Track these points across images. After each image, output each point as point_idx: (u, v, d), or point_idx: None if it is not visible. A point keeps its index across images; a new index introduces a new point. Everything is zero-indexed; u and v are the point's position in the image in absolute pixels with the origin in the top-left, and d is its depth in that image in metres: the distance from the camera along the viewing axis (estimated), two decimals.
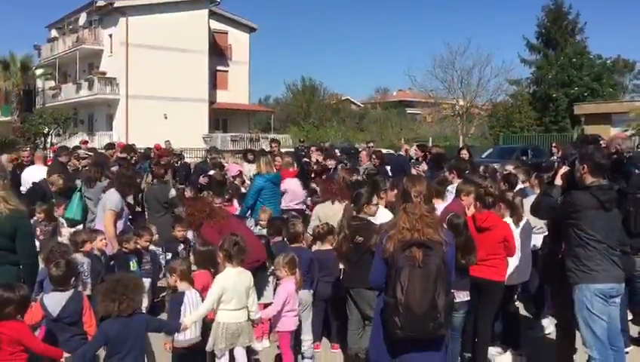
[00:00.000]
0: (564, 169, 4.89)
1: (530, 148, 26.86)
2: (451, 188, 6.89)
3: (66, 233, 8.03)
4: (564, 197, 4.71)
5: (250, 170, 11.87)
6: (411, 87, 60.02)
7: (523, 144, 29.79)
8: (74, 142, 35.13)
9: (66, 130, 42.46)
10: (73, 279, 4.84)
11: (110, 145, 13.81)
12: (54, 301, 4.66)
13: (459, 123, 47.73)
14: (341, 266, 6.47)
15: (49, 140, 39.42)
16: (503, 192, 6.42)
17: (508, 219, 6.13)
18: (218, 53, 44.88)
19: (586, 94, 40.10)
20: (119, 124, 40.58)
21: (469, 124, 48.29)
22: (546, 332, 6.93)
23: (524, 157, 23.22)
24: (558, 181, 4.88)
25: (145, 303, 5.48)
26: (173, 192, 10.08)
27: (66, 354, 4.22)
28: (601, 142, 7.06)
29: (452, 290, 5.17)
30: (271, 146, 14.04)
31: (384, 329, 3.90)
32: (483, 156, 25.08)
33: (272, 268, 6.09)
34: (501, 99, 46.43)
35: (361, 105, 75.17)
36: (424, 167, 10.51)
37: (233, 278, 5.23)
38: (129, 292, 4.11)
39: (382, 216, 6.03)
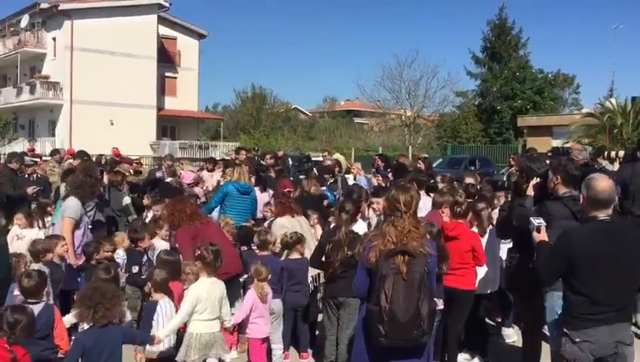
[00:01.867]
0: (535, 180, 5.05)
1: (477, 158, 27.62)
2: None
3: (20, 244, 7.76)
4: (537, 207, 4.86)
5: (212, 178, 11.78)
6: (359, 97, 60.80)
7: (470, 154, 30.55)
8: (14, 147, 33.88)
9: (5, 136, 40.92)
10: (45, 290, 4.66)
11: (55, 151, 13.39)
12: None
13: (406, 133, 48.55)
14: (311, 274, 6.52)
15: None
16: (471, 202, 6.55)
17: (474, 230, 6.27)
18: (167, 59, 44.26)
19: (528, 107, 41.52)
20: (62, 130, 39.41)
21: (416, 134, 49.20)
22: (511, 340, 7.10)
23: (472, 167, 23.86)
24: (530, 191, 5.04)
25: (128, 316, 5.32)
26: (127, 200, 9.90)
27: None
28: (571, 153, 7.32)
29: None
30: (239, 154, 13.87)
31: (367, 337, 3.92)
32: (433, 166, 25.61)
33: (245, 276, 6.06)
34: (448, 110, 47.57)
35: (310, 115, 75.52)
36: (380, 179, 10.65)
37: (207, 288, 5.18)
38: (106, 302, 4.00)
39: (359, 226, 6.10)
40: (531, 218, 4.36)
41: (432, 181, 8.30)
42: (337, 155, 18.17)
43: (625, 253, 3.76)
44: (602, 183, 3.84)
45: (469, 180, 8.81)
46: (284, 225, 6.91)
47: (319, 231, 7.15)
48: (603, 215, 3.85)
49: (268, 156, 14.07)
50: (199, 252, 5.26)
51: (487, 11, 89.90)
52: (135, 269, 6.77)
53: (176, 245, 6.66)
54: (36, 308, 4.52)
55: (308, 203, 8.27)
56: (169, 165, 13.16)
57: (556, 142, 29.02)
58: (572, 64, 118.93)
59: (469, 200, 6.68)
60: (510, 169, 11.87)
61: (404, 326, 3.70)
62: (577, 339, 3.80)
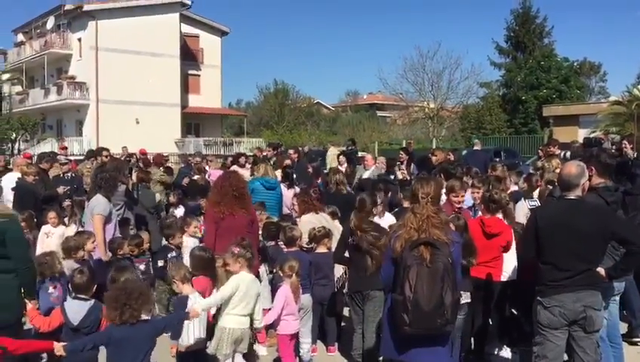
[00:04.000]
0: None
1: (502, 150, 27.26)
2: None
3: (50, 241, 7.94)
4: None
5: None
6: (381, 90, 60.60)
7: (495, 146, 30.22)
8: (42, 148, 34.51)
9: (33, 136, 41.66)
10: (95, 287, 4.76)
11: (91, 152, 13.57)
12: (75, 309, 4.57)
13: (430, 125, 48.24)
14: (339, 270, 6.57)
15: (16, 146, 38.62)
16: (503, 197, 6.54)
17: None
18: (190, 56, 44.57)
19: (554, 96, 40.96)
20: (89, 130, 39.98)
21: (440, 126, 48.85)
22: None
23: (498, 159, 23.59)
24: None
25: (156, 311, 5.41)
26: (158, 197, 10.05)
27: (57, 344, 4.06)
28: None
29: None
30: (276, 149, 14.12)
31: (393, 326, 4.03)
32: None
33: (272, 271, 6.11)
34: (471, 102, 47.13)
35: (332, 109, 75.48)
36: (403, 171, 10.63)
37: (247, 283, 5.29)
38: (132, 302, 4.02)
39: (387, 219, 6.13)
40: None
41: (455, 170, 8.28)
42: (332, 149, 18.24)
43: (583, 224, 4.26)
44: (572, 168, 4.41)
45: (495, 172, 8.77)
46: (311, 221, 7.00)
47: (339, 226, 7.22)
48: (572, 195, 4.40)
49: (291, 151, 14.14)
50: (237, 249, 5.33)
51: (511, 0, 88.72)
52: (160, 263, 6.89)
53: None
54: (86, 305, 4.61)
55: (334, 200, 8.35)
56: (197, 162, 13.33)
57: (583, 132, 28.64)
58: (598, 52, 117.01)
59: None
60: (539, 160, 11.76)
61: (428, 314, 3.79)
62: (548, 305, 4.31)
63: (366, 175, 11.48)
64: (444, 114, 48.94)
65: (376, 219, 6.49)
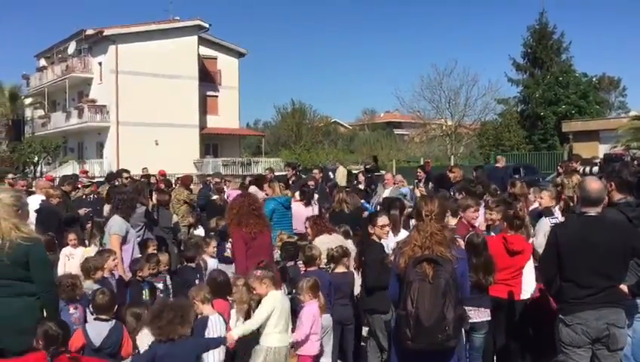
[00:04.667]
0: None
1: (522, 167, 27.11)
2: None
3: (71, 263, 8.01)
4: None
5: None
6: (398, 108, 60.61)
7: (514, 162, 30.06)
8: (64, 170, 35.00)
9: (55, 159, 42.24)
10: (116, 308, 4.80)
11: (112, 175, 13.76)
12: (97, 330, 4.62)
13: (447, 143, 48.08)
14: (357, 289, 6.57)
15: (38, 169, 39.18)
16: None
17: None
18: (208, 78, 45.07)
19: (573, 112, 40.67)
20: (110, 152, 40.49)
21: (458, 143, 48.67)
22: None
23: (517, 176, 23.43)
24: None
25: None
26: (175, 218, 10.15)
27: None
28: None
29: (473, 308, 5.32)
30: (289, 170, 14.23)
31: (397, 341, 4.13)
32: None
33: (290, 292, 6.13)
34: (489, 118, 46.94)
35: (350, 127, 75.68)
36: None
37: (280, 299, 5.38)
38: (176, 320, 4.06)
39: (403, 236, 6.13)
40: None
41: (475, 187, 8.26)
42: (340, 168, 18.28)
43: (604, 241, 4.22)
44: (593, 185, 4.39)
45: (513, 189, 8.73)
46: (326, 242, 7.06)
47: (352, 245, 7.27)
48: (592, 211, 4.38)
49: (316, 171, 14.21)
50: (259, 272, 5.38)
51: (527, 17, 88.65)
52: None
53: (229, 249, 6.81)
54: (107, 326, 4.66)
55: (341, 218, 8.40)
56: (216, 182, 13.46)
57: (604, 147, 28.39)
58: (617, 67, 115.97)
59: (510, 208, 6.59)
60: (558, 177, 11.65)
61: (429, 330, 3.85)
62: (570, 323, 4.26)
63: (386, 193, 11.48)
64: (461, 131, 48.80)
65: (390, 237, 6.51)
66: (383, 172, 16.98)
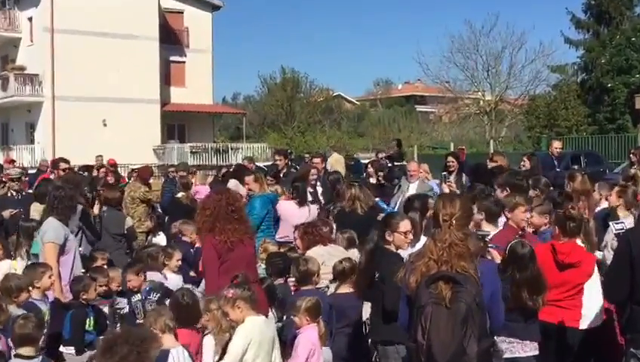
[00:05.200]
0: None
1: (582, 154, 27.11)
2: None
3: None
4: None
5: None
6: (421, 78, 60.87)
7: (573, 149, 30.07)
8: None
9: None
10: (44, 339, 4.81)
11: (57, 162, 13.68)
12: None
13: (486, 123, 48.21)
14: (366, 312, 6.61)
15: None
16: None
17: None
18: (171, 39, 44.99)
19: None
20: (43, 135, 40.39)
21: (500, 124, 48.77)
22: None
23: (576, 166, 23.45)
24: None
25: None
26: (129, 221, 10.17)
27: None
28: None
29: (516, 340, 5.33)
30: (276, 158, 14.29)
31: None
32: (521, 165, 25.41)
33: (281, 318, 6.16)
34: (540, 92, 46.98)
35: (358, 103, 75.70)
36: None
37: (259, 328, 5.36)
38: (131, 357, 3.99)
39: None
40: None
41: (522, 181, 8.30)
42: (334, 156, 18.26)
43: None
44: None
45: (572, 184, 8.73)
46: (321, 255, 7.12)
47: (357, 256, 7.33)
48: None
49: (317, 160, 14.16)
50: (231, 292, 5.38)
51: None
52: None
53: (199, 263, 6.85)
54: None
55: (353, 221, 8.44)
56: (182, 176, 13.48)
57: None
58: None
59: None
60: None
61: None
62: None
63: (413, 190, 11.45)
64: (504, 108, 48.89)
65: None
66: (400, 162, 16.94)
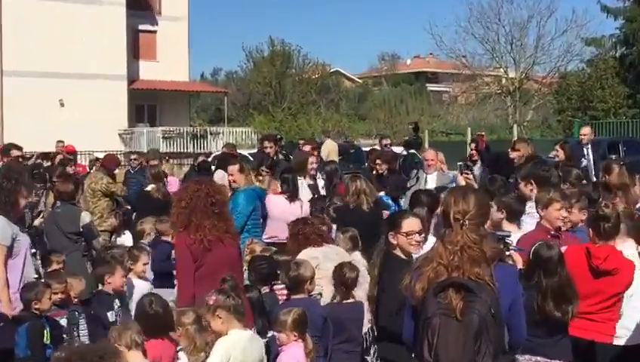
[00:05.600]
0: None
1: (621, 141, 27.14)
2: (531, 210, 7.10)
3: None
4: None
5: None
6: (433, 53, 60.80)
7: (610, 135, 30.08)
8: None
9: None
10: None
11: (8, 148, 13.68)
12: None
13: (509, 105, 48.24)
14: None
15: None
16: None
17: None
18: (141, 4, 44.92)
19: None
20: None
21: (525, 106, 48.79)
22: None
23: (614, 156, 23.46)
24: None
25: None
26: (85, 217, 10.10)
27: None
28: None
29: (544, 360, 5.36)
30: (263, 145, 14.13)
31: None
32: (551, 155, 25.37)
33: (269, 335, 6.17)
34: (572, 68, 46.99)
35: (359, 81, 75.65)
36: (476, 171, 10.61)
37: (242, 344, 5.37)
38: None
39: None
40: None
41: (549, 172, 8.32)
42: (328, 142, 18.29)
43: None
44: None
45: (608, 177, 8.73)
46: (314, 258, 7.10)
47: (359, 258, 7.41)
48: None
49: (309, 147, 14.13)
50: (212, 298, 5.38)
51: None
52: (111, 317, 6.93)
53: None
54: None
55: (357, 218, 8.46)
56: (153, 165, 13.45)
57: None
58: None
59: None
60: None
61: None
62: None
63: (431, 182, 11.45)
64: (530, 87, 48.91)
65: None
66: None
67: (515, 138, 29.52)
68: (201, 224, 6.27)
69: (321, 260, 7.01)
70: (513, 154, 10.94)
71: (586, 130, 16.20)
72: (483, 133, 25.20)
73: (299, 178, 10.94)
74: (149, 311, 5.79)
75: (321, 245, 7.32)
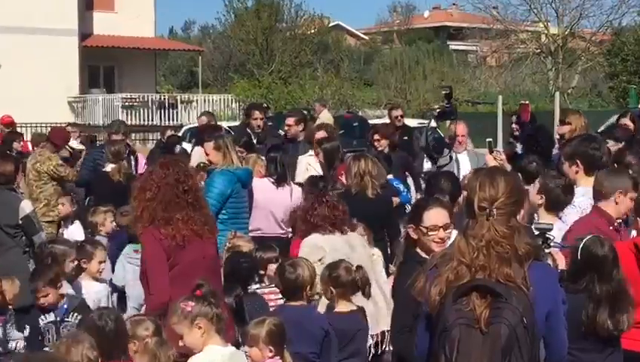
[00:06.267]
0: None
1: None
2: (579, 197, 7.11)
3: None
4: None
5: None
6: (457, 3, 60.78)
7: None
8: None
9: None
10: None
11: None
12: None
13: (550, 68, 48.23)
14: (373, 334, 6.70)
15: None
16: None
17: None
18: None
19: None
20: None
21: (569, 68, 48.79)
22: None
23: None
24: None
25: None
26: (27, 206, 10.09)
27: None
28: None
29: None
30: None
31: None
32: (600, 129, 25.47)
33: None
34: (629, 23, 47.02)
35: (365, 38, 75.64)
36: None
37: (224, 360, 5.39)
38: None
39: None
40: None
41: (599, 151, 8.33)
42: (325, 114, 18.30)
43: None
44: None
45: None
46: (319, 246, 7.18)
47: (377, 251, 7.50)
48: None
49: (292, 119, 14.13)
50: (189, 306, 5.38)
51: None
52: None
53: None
54: None
55: (355, 206, 8.47)
56: (114, 140, 13.44)
57: None
58: None
59: None
60: None
61: None
62: None
63: (464, 165, 11.41)
64: (576, 46, 48.90)
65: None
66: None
67: (557, 108, 29.65)
68: (172, 217, 6.31)
69: (327, 250, 7.07)
70: (563, 129, 10.88)
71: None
72: (527, 102, 25.11)
73: (310, 155, 11.16)
74: (100, 325, 5.80)
75: (332, 232, 7.34)
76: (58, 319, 7.10)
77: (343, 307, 6.59)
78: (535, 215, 7.00)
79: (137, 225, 6.70)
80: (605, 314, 5.43)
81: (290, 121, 13.68)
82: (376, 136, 13.08)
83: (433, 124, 12.16)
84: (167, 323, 5.56)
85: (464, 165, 11.28)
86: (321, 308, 6.80)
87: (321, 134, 11.81)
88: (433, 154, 10.75)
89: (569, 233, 6.20)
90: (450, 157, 11.51)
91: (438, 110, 12.86)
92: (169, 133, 16.22)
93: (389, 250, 8.89)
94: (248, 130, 13.54)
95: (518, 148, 11.18)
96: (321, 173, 10.41)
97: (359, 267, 6.67)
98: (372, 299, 6.85)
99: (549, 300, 4.11)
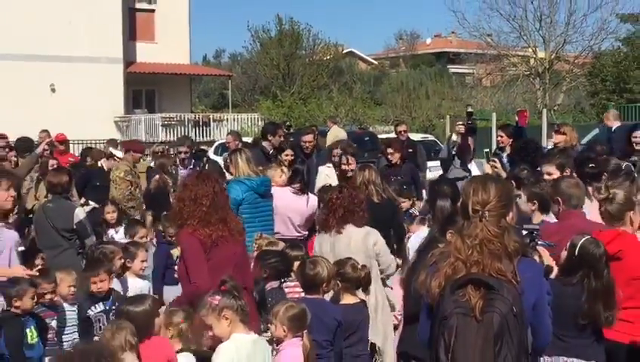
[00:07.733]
0: None
1: None
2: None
3: None
4: None
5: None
6: (456, 31, 60.65)
7: None
8: None
9: None
10: None
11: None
12: None
13: (538, 87, 48.09)
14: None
15: None
16: None
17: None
18: None
19: None
20: None
21: (555, 88, 48.61)
22: None
23: None
24: None
25: None
26: (80, 213, 10.09)
27: None
28: None
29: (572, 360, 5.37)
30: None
31: None
32: (584, 141, 25.34)
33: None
34: (607, 47, 46.80)
35: (375, 63, 75.58)
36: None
37: (247, 350, 5.39)
38: None
39: None
40: None
41: (591, 166, 8.35)
42: (334, 129, 18.23)
43: None
44: None
45: None
46: (358, 240, 7.39)
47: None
48: None
49: (309, 136, 14.12)
50: (216, 299, 5.41)
51: None
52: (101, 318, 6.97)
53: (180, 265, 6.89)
54: None
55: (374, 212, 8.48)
56: (160, 153, 13.41)
57: None
58: None
59: None
60: None
61: None
62: None
63: (475, 174, 11.48)
64: (561, 68, 48.68)
65: None
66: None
67: (545, 123, 29.58)
68: (210, 220, 6.49)
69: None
70: (558, 139, 10.87)
71: (613, 113, 16.17)
72: (524, 110, 24.94)
73: (328, 166, 11.46)
74: (134, 309, 5.84)
75: (330, 233, 7.51)
76: (107, 308, 7.13)
77: (348, 299, 6.66)
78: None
79: (177, 225, 6.89)
80: (600, 304, 5.47)
81: (308, 137, 13.78)
82: (389, 150, 13.08)
83: (454, 137, 12.40)
84: (197, 315, 5.62)
85: (474, 172, 11.67)
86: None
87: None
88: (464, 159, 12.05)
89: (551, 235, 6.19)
90: (469, 172, 11.99)
91: (461, 125, 13.01)
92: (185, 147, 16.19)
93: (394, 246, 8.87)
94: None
95: (504, 157, 11.23)
96: (337, 182, 10.38)
97: (364, 266, 6.79)
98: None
99: (535, 291, 4.19)
